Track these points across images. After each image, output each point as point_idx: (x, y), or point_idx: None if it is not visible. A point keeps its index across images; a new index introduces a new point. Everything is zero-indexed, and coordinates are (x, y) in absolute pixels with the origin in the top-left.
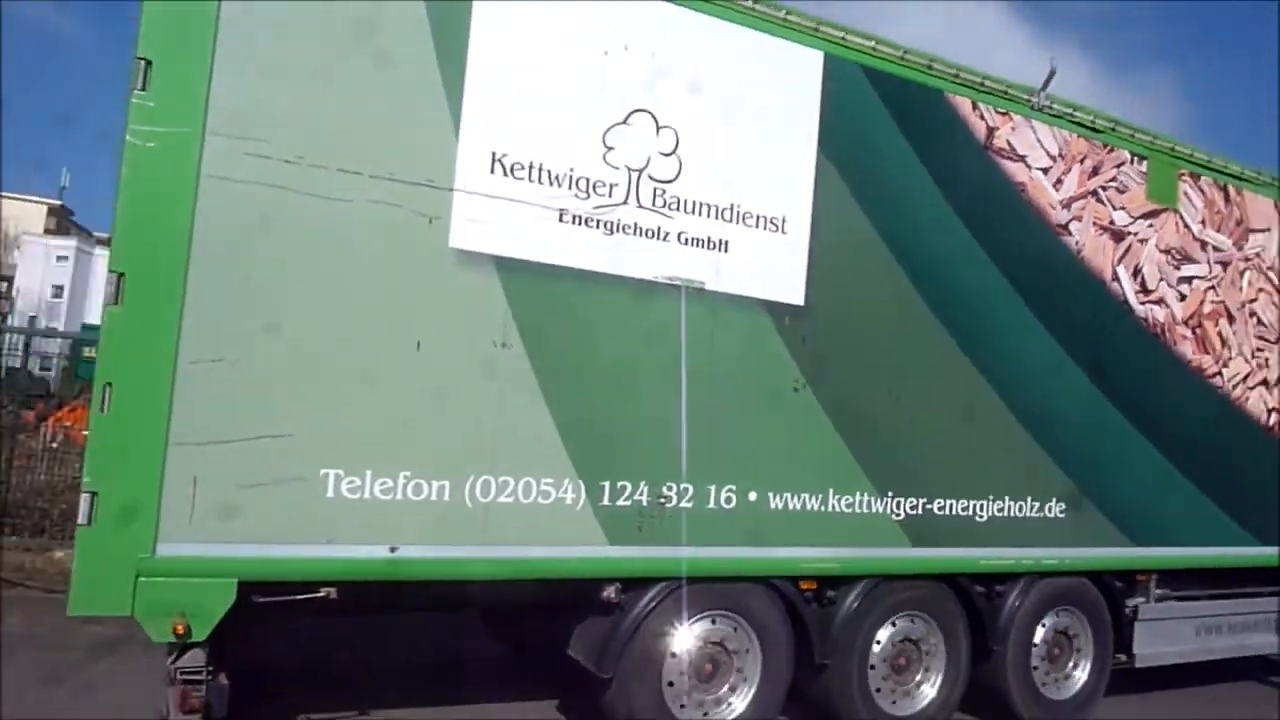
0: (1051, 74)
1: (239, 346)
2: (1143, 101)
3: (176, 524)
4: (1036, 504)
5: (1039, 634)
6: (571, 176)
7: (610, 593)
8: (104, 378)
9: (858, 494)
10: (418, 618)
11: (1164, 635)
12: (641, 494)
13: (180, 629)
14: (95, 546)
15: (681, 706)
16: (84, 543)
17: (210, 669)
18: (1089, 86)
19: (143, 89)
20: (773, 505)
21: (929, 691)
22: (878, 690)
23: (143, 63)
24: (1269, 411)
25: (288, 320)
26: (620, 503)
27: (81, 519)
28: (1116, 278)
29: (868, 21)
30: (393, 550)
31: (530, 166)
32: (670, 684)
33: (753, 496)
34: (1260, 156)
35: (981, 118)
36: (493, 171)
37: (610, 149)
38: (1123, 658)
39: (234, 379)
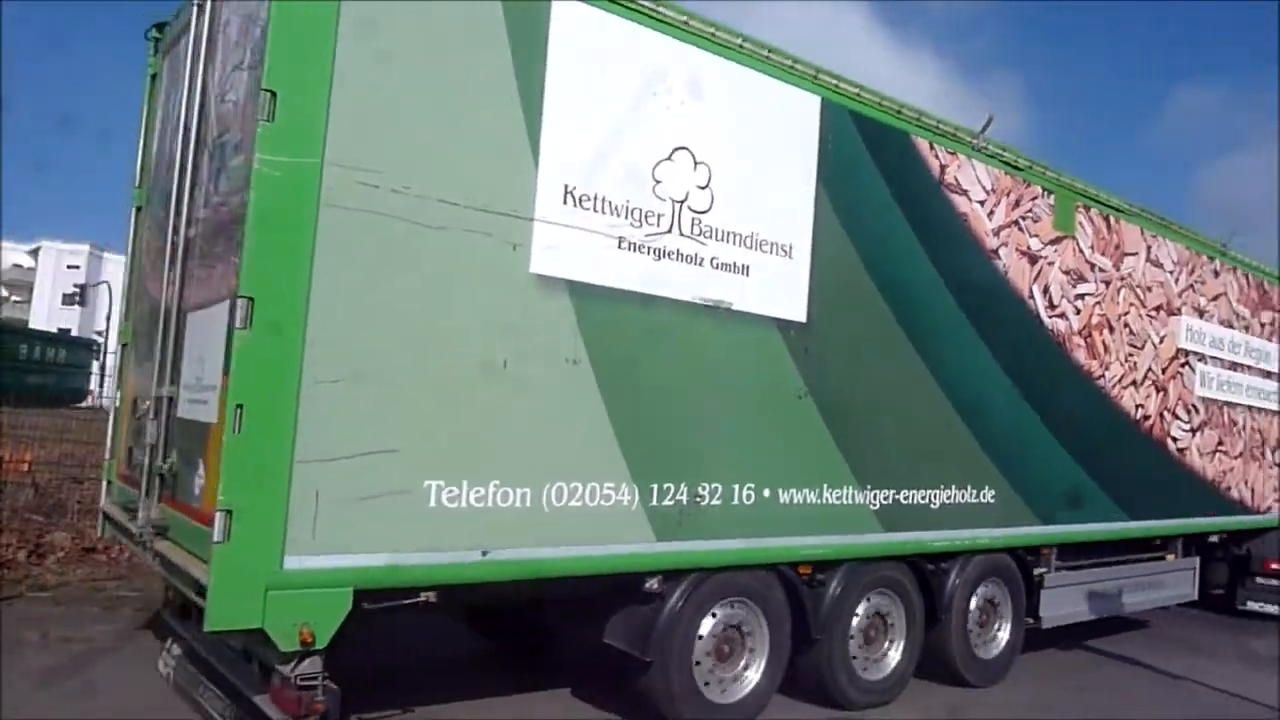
0: (989, 121)
1: (354, 367)
2: (986, 104)
3: (301, 538)
4: (975, 491)
5: (973, 603)
6: (628, 207)
7: (653, 584)
8: (235, 399)
9: (844, 487)
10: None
11: (1064, 599)
12: (682, 494)
13: (307, 638)
14: (230, 563)
15: (706, 684)
16: (220, 560)
17: (326, 675)
18: (939, 89)
19: (269, 120)
20: (781, 500)
21: (894, 657)
22: (854, 658)
23: (268, 94)
24: (1135, 407)
25: (394, 341)
26: (665, 502)
27: (218, 537)
28: (1032, 295)
29: (746, 21)
30: (484, 554)
31: (595, 198)
32: (698, 663)
33: (766, 493)
34: (1092, 163)
35: (936, 156)
36: (565, 202)
37: (658, 182)
38: (1031, 620)
39: (349, 398)
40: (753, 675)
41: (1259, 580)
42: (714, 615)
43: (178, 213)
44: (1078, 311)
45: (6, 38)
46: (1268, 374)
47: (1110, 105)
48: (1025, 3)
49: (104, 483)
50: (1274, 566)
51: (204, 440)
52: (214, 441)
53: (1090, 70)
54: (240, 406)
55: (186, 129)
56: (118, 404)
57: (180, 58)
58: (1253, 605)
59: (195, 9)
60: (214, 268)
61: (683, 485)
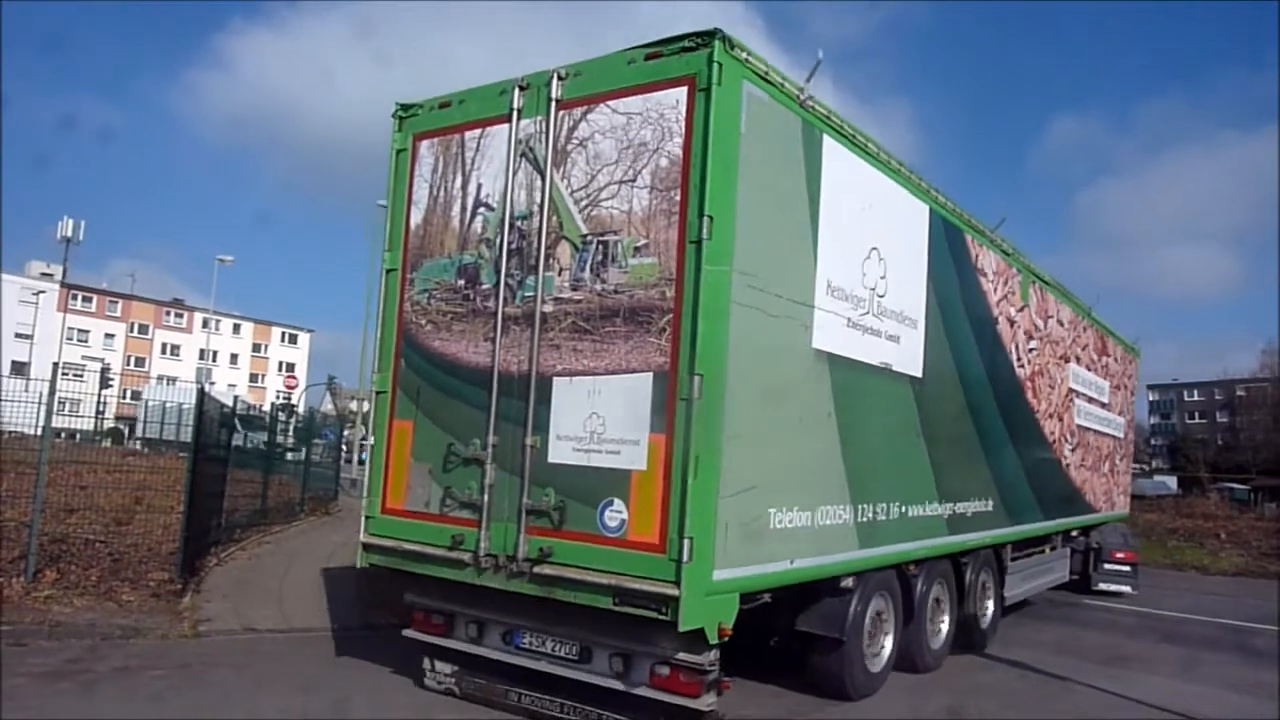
0: (1002, 220)
1: (741, 424)
2: (879, 129)
3: (720, 556)
4: (984, 501)
5: (979, 587)
6: (851, 294)
7: (849, 581)
8: (695, 452)
9: (932, 503)
10: None
11: (1014, 583)
12: (868, 512)
13: (725, 632)
14: (692, 577)
15: (865, 658)
16: (688, 576)
17: (719, 663)
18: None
19: (709, 238)
20: (908, 514)
21: (945, 629)
22: (927, 633)
23: (708, 219)
24: (1050, 434)
25: (756, 402)
26: (861, 519)
27: (686, 558)
28: (1014, 351)
29: (630, 22)
30: (791, 563)
31: (839, 289)
32: (867, 642)
33: (902, 509)
34: (975, 188)
35: (973, 246)
36: (826, 292)
37: (864, 275)
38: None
39: (738, 449)
40: (886, 650)
41: (1107, 567)
42: (872, 604)
43: (508, 288)
44: (1030, 363)
45: None
46: (1105, 405)
47: (994, 131)
48: (915, 30)
49: (364, 518)
50: (1118, 555)
51: (623, 483)
52: (644, 487)
53: (976, 96)
54: (698, 458)
55: (517, 219)
56: (376, 447)
57: (462, 151)
58: (1103, 585)
59: (515, 120)
60: (610, 343)
61: (869, 505)
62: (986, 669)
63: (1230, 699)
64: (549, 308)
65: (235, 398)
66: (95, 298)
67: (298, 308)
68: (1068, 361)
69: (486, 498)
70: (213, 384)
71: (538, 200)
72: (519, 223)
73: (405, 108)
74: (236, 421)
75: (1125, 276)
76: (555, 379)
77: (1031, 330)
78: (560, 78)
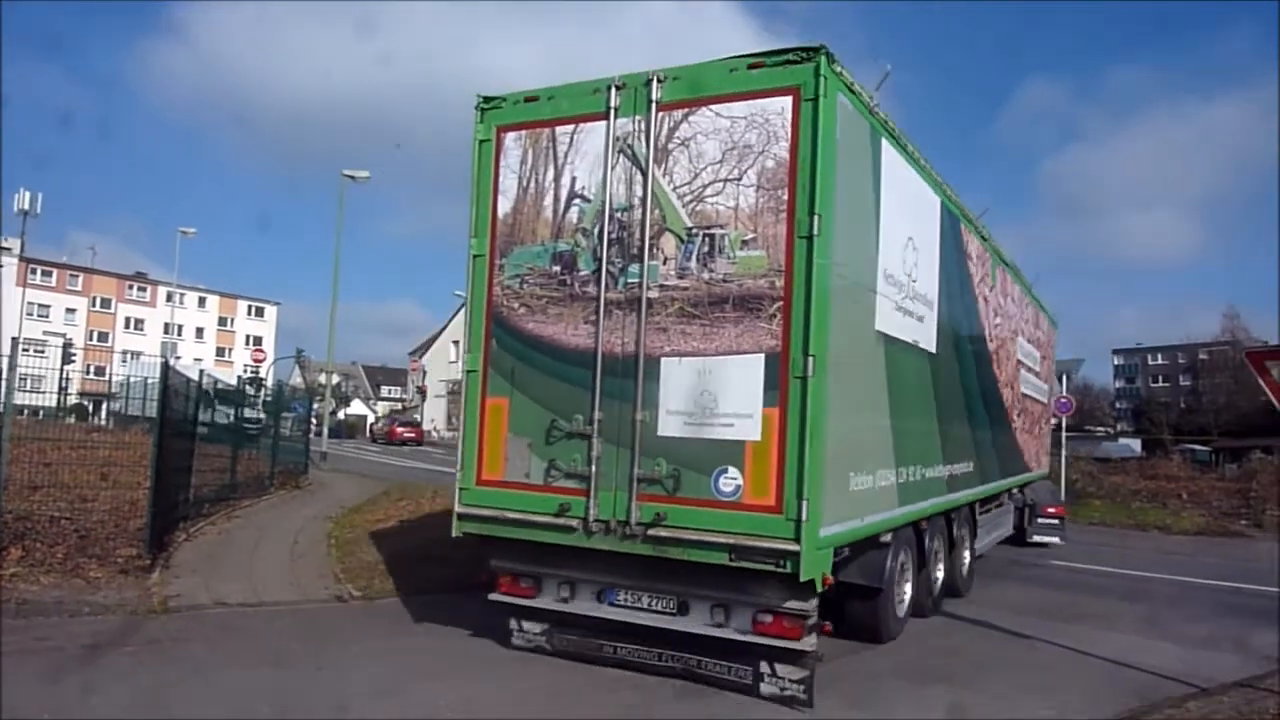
0: (986, 209)
1: (835, 399)
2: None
3: (825, 516)
4: (968, 464)
5: (960, 539)
6: (896, 279)
7: (887, 537)
8: (811, 424)
9: (939, 465)
10: None
11: (982, 536)
12: (905, 474)
13: (829, 582)
14: (809, 535)
15: (893, 602)
16: (806, 534)
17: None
18: None
19: (819, 234)
20: (926, 475)
21: (940, 576)
22: (932, 580)
23: (817, 216)
24: (1007, 401)
25: (842, 379)
26: (900, 480)
27: (805, 518)
28: (987, 327)
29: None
30: (862, 520)
31: (890, 275)
32: (895, 588)
33: (922, 471)
34: (944, 157)
35: (965, 233)
36: (883, 279)
37: (904, 262)
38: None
39: (835, 422)
40: (908, 597)
41: (1040, 520)
42: (900, 556)
43: (610, 275)
44: (995, 338)
45: None
46: (1037, 374)
47: (962, 98)
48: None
49: (458, 489)
50: (1050, 510)
51: (737, 452)
52: (760, 455)
53: (944, 64)
54: (813, 429)
55: (616, 211)
56: (468, 423)
57: (554, 144)
58: (1037, 538)
59: (611, 118)
60: (719, 327)
61: (905, 468)
62: (956, 631)
63: (1188, 654)
64: (654, 294)
65: (201, 371)
66: (55, 272)
67: (264, 281)
68: (1017, 335)
69: (594, 468)
70: (178, 358)
71: (638, 194)
72: (618, 214)
73: (487, 100)
74: (213, 397)
75: (1091, 242)
76: (663, 359)
77: (997, 308)
78: (659, 80)
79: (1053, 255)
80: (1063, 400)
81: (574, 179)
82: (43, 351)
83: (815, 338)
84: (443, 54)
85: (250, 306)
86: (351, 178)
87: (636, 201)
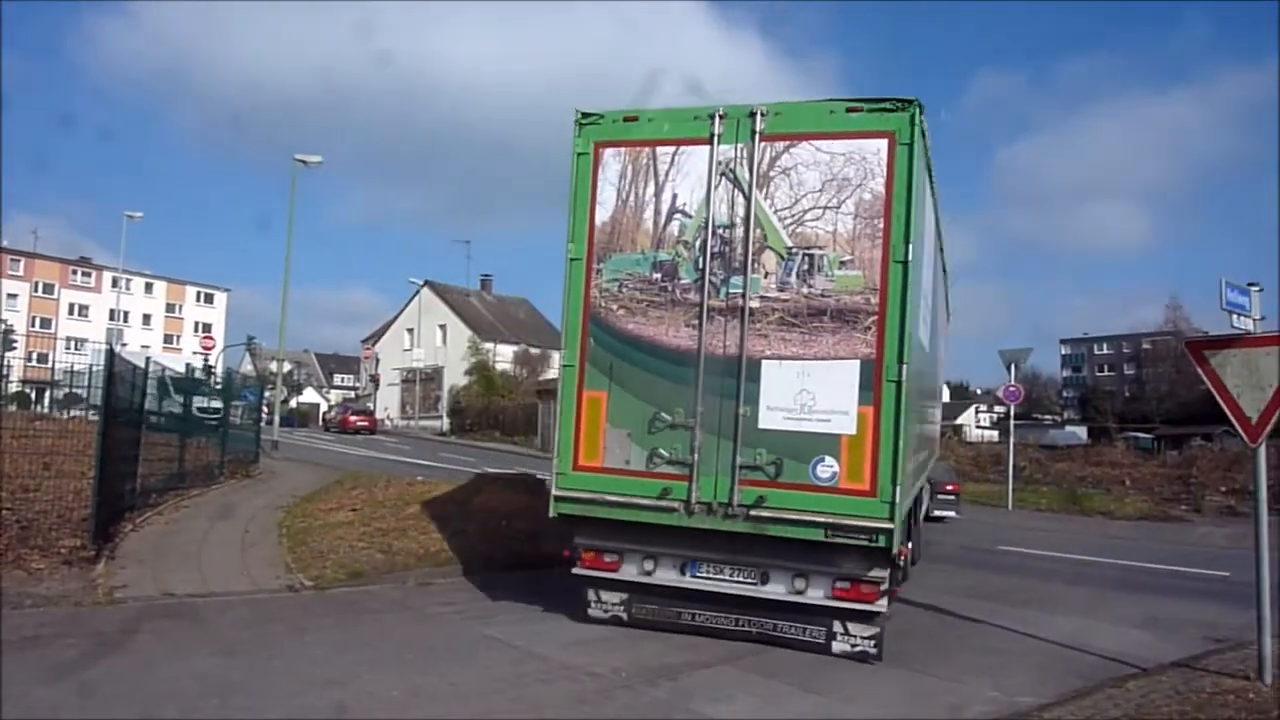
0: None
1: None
2: (809, 84)
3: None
4: (925, 449)
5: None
6: (926, 291)
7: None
8: (904, 420)
9: (922, 450)
10: None
11: (934, 506)
12: (916, 458)
13: (904, 553)
14: (896, 513)
15: (906, 558)
16: (896, 512)
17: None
18: (764, 69)
19: (911, 259)
20: (920, 457)
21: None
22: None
23: (906, 245)
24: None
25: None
26: (914, 465)
27: (895, 499)
28: (929, 320)
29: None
30: (910, 500)
31: (924, 289)
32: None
33: (919, 455)
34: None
35: (931, 232)
36: (926, 292)
37: (929, 274)
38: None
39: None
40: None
41: (939, 496)
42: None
43: (712, 285)
44: (930, 328)
45: None
46: (940, 360)
47: (917, 90)
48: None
49: (555, 474)
50: (948, 487)
51: (833, 444)
52: (855, 447)
53: (899, 55)
54: (905, 426)
55: (718, 227)
56: (565, 414)
57: (654, 163)
58: (937, 513)
59: (714, 143)
60: (817, 335)
61: (915, 452)
62: (909, 615)
63: (1129, 635)
64: (755, 304)
65: (148, 359)
66: None
67: (213, 266)
68: (938, 325)
69: (696, 456)
70: (124, 345)
71: (740, 214)
72: (720, 230)
73: (586, 116)
74: (169, 385)
75: (1042, 232)
76: (764, 361)
77: (930, 299)
78: (761, 114)
79: (1005, 245)
80: (1011, 389)
81: (675, 195)
82: None
83: (907, 347)
84: (399, 37)
85: (199, 293)
86: (304, 162)
87: (739, 220)
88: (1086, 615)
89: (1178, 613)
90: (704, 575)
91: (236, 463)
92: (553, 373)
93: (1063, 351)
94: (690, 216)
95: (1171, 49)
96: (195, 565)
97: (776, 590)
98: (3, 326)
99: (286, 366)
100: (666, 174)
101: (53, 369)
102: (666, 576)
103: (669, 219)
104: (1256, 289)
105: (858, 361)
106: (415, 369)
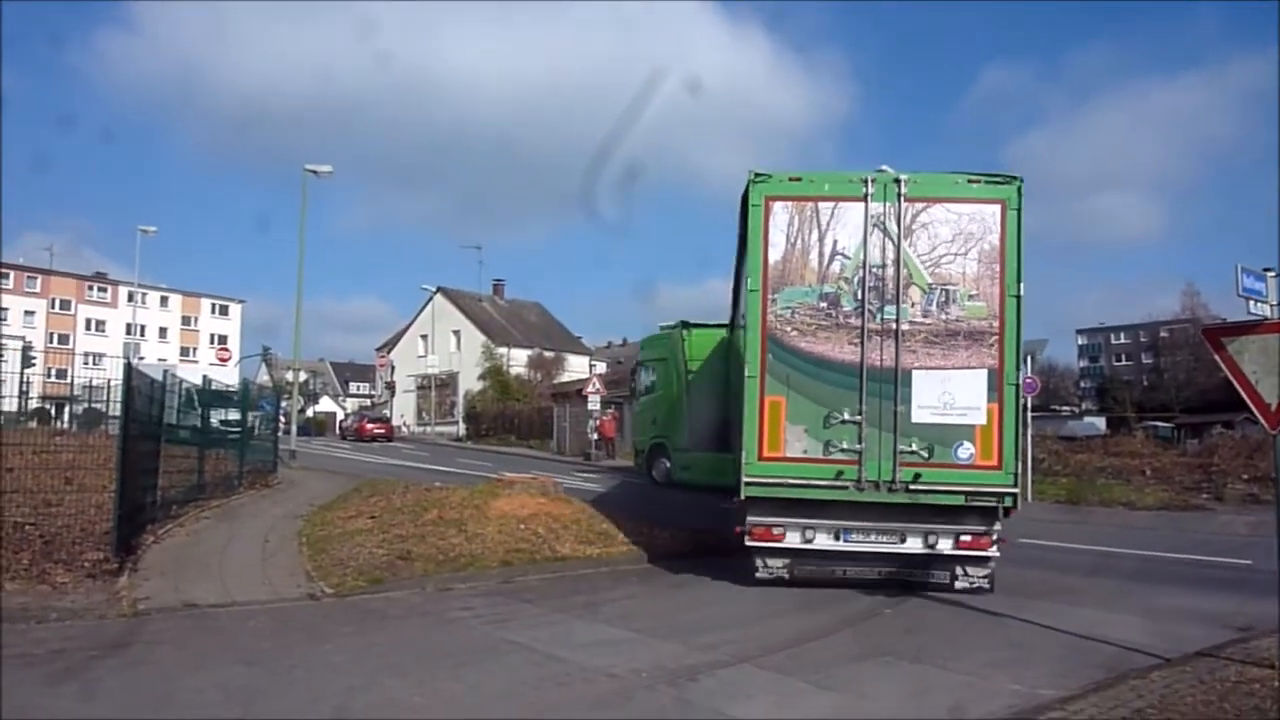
0: None
1: None
2: (814, 81)
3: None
4: None
5: None
6: None
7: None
8: (1011, 416)
9: None
10: None
11: None
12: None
13: (1012, 511)
14: (1018, 482)
15: None
16: (1018, 481)
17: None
18: (770, 65)
19: (1022, 295)
20: None
21: None
22: None
23: (1021, 283)
24: None
25: None
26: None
27: (1020, 471)
28: None
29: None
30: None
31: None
32: None
33: None
34: (910, 137)
35: None
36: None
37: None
38: None
39: None
40: None
41: None
42: None
43: (869, 312)
44: None
45: None
46: None
47: (924, 84)
48: None
49: (744, 464)
50: None
51: (969, 432)
52: (985, 433)
53: (906, 49)
54: (1020, 418)
55: (873, 267)
56: (750, 414)
57: (817, 214)
58: None
59: (867, 201)
60: (954, 351)
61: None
62: (927, 609)
63: (1152, 626)
64: (905, 327)
65: (165, 372)
66: (12, 274)
67: (227, 278)
68: None
69: (863, 445)
70: (142, 359)
71: (890, 257)
72: (874, 269)
73: (758, 175)
74: (194, 397)
75: (1055, 224)
76: (914, 371)
77: None
78: (904, 181)
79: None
80: (1028, 380)
81: (835, 241)
82: (1, 355)
83: (1019, 360)
84: (399, 37)
85: (214, 305)
86: (314, 172)
87: (889, 262)
88: (1108, 607)
89: (1200, 602)
90: (855, 540)
91: (255, 473)
92: (566, 376)
93: (1079, 342)
94: (849, 258)
95: (1180, 36)
96: (217, 575)
97: (913, 546)
98: (22, 343)
99: (302, 376)
100: (828, 224)
101: (71, 384)
102: (824, 542)
103: (831, 259)
104: (1272, 275)
105: (985, 370)
106: (430, 375)
